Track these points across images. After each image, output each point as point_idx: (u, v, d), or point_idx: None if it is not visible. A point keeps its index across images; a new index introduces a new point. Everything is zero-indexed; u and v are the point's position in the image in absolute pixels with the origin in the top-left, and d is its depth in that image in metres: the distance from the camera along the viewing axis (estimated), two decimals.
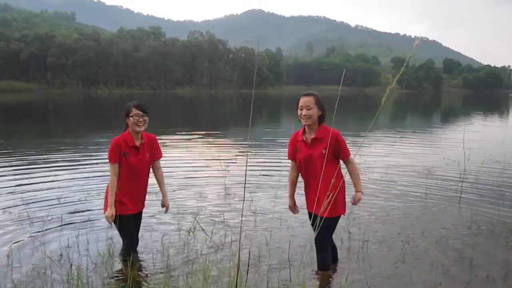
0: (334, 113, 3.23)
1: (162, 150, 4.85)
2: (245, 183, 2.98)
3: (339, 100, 3.00)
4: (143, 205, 4.85)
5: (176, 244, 5.29)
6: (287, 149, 4.50)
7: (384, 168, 10.10)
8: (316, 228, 3.28)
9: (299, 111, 4.18)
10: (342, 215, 4.34)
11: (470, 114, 37.06)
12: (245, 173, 3.10)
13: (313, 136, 4.21)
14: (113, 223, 4.56)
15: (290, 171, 4.57)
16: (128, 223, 4.56)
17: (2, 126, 22.38)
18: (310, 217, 4.34)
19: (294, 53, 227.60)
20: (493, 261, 4.93)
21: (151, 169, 4.79)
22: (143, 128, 4.54)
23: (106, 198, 4.60)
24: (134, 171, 4.56)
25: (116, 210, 4.50)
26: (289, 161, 4.50)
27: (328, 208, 3.52)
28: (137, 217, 4.82)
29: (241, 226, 2.82)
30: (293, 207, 4.64)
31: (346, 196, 4.30)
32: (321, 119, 4.22)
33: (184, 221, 6.02)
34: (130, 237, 4.65)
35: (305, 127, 4.27)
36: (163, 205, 4.94)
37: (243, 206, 3.20)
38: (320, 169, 4.03)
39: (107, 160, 4.50)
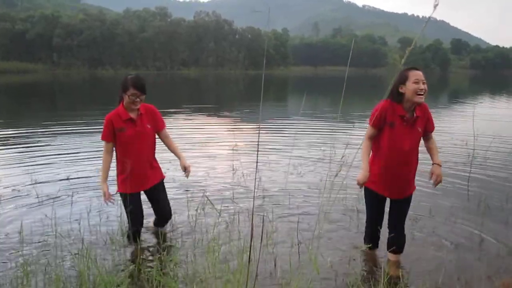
0: (342, 94, 3.23)
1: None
2: (257, 157, 2.97)
3: (348, 80, 2.98)
4: (152, 182, 4.55)
5: (185, 220, 5.33)
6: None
7: None
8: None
9: (414, 85, 3.68)
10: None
11: (477, 94, 36.80)
12: (257, 148, 3.08)
13: (414, 114, 3.85)
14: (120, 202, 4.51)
15: (365, 139, 3.91)
16: (129, 202, 4.23)
17: (10, 106, 22.47)
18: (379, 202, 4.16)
19: (300, 33, 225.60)
20: (502, 239, 4.92)
21: (159, 141, 4.57)
22: (138, 106, 4.28)
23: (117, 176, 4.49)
24: (133, 146, 4.31)
25: (119, 187, 4.43)
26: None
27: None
28: (150, 194, 4.65)
29: (253, 200, 2.81)
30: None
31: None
32: None
33: (193, 198, 6.05)
34: (131, 215, 4.33)
35: (403, 103, 3.80)
36: (183, 168, 4.48)
37: (255, 183, 3.21)
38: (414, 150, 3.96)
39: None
